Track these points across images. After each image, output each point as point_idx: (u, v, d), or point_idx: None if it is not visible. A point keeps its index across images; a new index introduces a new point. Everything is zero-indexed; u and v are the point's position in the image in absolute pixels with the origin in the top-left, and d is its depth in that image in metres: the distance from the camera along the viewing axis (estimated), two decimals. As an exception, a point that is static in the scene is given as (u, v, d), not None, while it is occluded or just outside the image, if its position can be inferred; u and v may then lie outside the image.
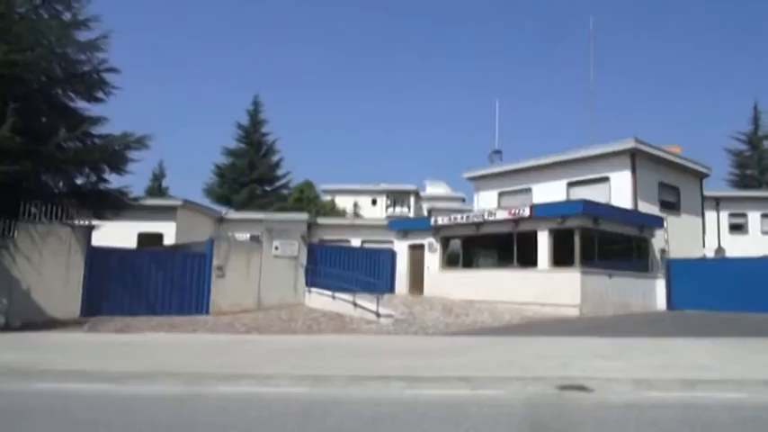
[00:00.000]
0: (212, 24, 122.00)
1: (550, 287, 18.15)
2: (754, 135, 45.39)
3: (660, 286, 20.67)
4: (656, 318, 17.57)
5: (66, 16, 16.71)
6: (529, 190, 24.38)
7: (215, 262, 17.47)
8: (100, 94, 17.22)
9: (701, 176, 25.03)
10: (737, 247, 27.05)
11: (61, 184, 17.12)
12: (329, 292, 18.06)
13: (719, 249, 27.86)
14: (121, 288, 16.01)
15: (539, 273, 18.78)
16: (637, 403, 5.88)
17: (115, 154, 16.73)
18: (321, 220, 32.56)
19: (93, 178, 17.19)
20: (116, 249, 16.59)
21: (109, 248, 16.25)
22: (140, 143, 16.94)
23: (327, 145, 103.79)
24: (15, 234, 14.44)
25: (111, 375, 7.31)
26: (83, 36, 16.56)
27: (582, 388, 6.45)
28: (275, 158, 45.91)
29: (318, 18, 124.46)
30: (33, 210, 15.08)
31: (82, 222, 15.93)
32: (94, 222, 16.54)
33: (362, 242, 29.81)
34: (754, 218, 30.60)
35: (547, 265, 18.68)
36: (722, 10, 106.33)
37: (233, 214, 32.86)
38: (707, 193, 26.64)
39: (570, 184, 23.04)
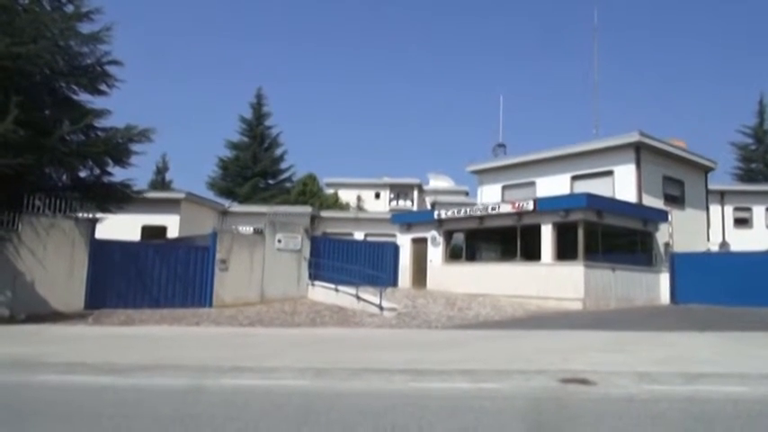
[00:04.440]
0: (215, 17, 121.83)
1: (554, 281, 18.14)
2: (760, 128, 45.16)
3: (664, 280, 20.61)
4: (660, 312, 17.53)
5: (69, 8, 16.73)
6: (533, 183, 24.32)
7: (218, 255, 17.50)
8: (103, 87, 17.26)
9: (705, 170, 24.93)
10: (742, 242, 26.93)
11: (65, 176, 17.19)
12: (332, 286, 18.08)
13: (724, 243, 27.74)
14: (125, 281, 16.07)
15: (542, 266, 18.75)
16: (639, 397, 5.86)
17: (118, 147, 16.76)
18: (324, 214, 32.62)
19: (97, 171, 17.27)
20: (119, 242, 16.65)
21: (112, 241, 16.30)
22: (144, 136, 16.99)
23: (331, 138, 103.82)
24: (19, 227, 14.49)
25: (114, 368, 7.34)
26: (86, 28, 16.60)
27: (584, 381, 6.44)
28: (278, 152, 46.01)
29: (322, 12, 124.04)
30: (37, 202, 15.12)
31: (85, 215, 15.99)
32: (98, 215, 16.63)
33: (365, 235, 29.87)
34: (759, 212, 30.52)
35: (550, 258, 18.65)
36: (727, 3, 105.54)
37: (236, 207, 32.96)
38: (712, 186, 26.55)
39: (574, 178, 22.97)
